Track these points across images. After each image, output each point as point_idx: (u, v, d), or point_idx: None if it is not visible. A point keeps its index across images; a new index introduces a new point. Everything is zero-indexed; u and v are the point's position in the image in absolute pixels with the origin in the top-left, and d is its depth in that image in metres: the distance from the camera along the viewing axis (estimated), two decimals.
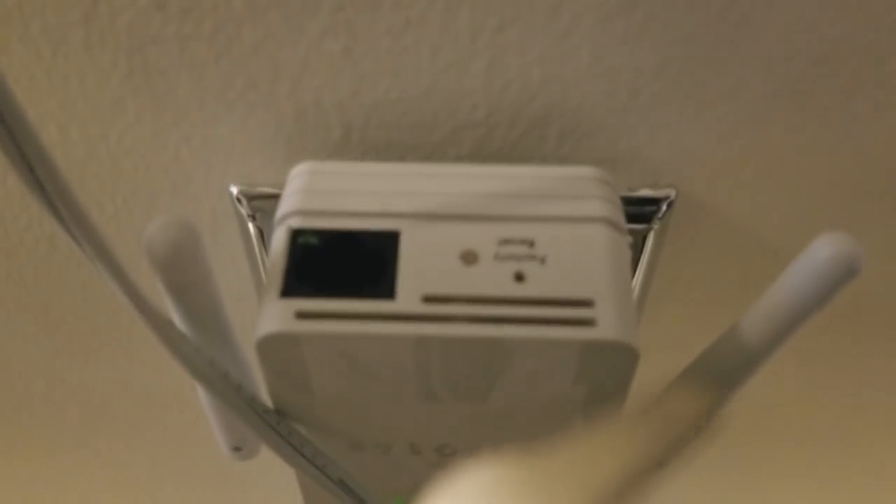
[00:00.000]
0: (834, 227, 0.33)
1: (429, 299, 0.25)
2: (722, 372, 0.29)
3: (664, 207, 0.32)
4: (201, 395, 0.31)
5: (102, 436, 0.47)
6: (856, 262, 0.24)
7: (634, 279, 0.35)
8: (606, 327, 0.25)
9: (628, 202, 0.32)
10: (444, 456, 0.30)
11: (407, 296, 0.25)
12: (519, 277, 0.26)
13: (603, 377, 0.26)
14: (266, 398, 0.28)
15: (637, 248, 0.33)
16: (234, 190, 0.32)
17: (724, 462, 0.52)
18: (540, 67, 0.27)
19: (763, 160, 0.30)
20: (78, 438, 0.47)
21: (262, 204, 0.32)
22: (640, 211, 0.32)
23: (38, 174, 0.20)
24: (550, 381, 0.26)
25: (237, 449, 0.34)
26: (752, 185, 0.31)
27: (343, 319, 0.25)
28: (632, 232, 0.33)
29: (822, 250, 0.25)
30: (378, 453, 0.30)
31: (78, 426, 0.46)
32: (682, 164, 0.31)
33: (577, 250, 0.26)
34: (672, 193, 0.32)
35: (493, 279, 0.26)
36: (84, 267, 0.36)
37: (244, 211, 0.32)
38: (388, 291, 0.25)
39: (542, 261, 0.26)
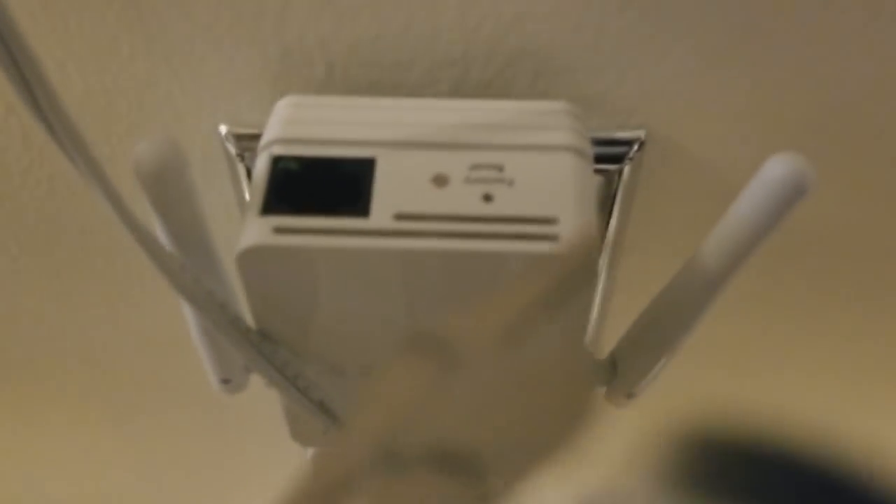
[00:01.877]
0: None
1: (401, 217, 0.27)
2: (687, 297, 0.30)
3: (635, 147, 0.33)
4: (190, 322, 0.32)
5: (101, 384, 0.48)
6: (805, 180, 0.26)
7: (610, 221, 0.36)
8: (568, 241, 0.26)
9: (600, 143, 0.33)
10: None
11: (380, 214, 0.27)
12: (487, 198, 0.27)
13: (565, 289, 0.27)
14: (249, 319, 0.30)
15: (611, 189, 0.35)
16: (223, 129, 0.33)
17: None
18: (510, 2, 0.29)
19: (727, 99, 0.32)
20: (77, 387, 0.49)
21: (250, 144, 0.34)
22: (612, 152, 0.33)
23: (29, 81, 0.21)
24: None
25: (226, 381, 0.35)
26: (720, 125, 0.33)
27: (319, 234, 0.26)
28: (604, 172, 0.34)
29: (774, 169, 0.26)
30: (357, 377, 0.32)
31: (78, 375, 0.48)
32: (651, 104, 0.32)
33: (544, 174, 0.28)
34: (642, 134, 0.33)
35: (462, 199, 0.27)
36: (82, 211, 0.38)
37: (233, 150, 0.34)
38: (362, 210, 0.27)
39: (510, 183, 0.27)
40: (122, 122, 0.34)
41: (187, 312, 0.31)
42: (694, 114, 0.32)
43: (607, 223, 0.36)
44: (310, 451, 0.40)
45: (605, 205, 0.35)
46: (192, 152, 0.34)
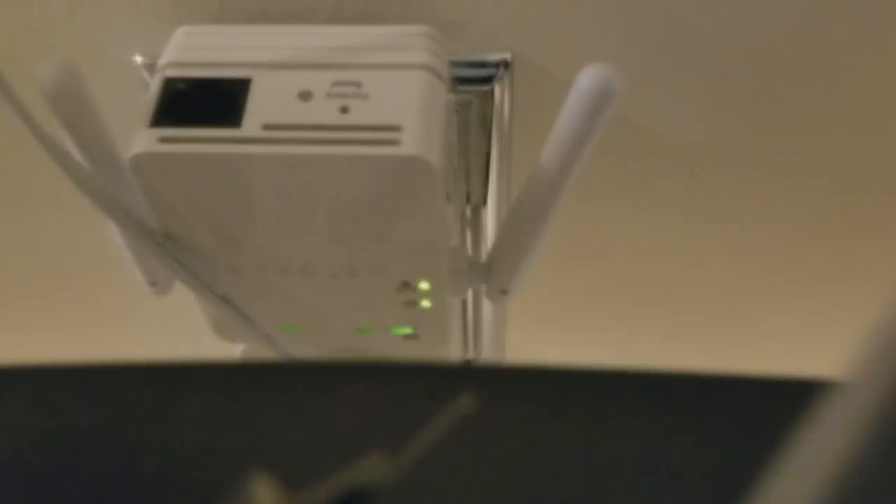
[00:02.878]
0: (652, 74, 0.38)
1: (268, 127, 0.31)
2: (536, 201, 0.34)
3: (502, 69, 0.37)
4: (113, 232, 0.37)
5: (59, 295, 0.54)
6: (611, 86, 0.29)
7: (491, 139, 0.40)
8: (409, 146, 0.30)
9: (470, 65, 0.37)
10: (308, 276, 0.36)
11: (250, 125, 0.31)
12: (344, 110, 0.31)
13: (410, 190, 0.31)
14: (153, 223, 0.34)
15: (487, 107, 0.39)
16: (139, 60, 0.38)
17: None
18: None
19: (580, 21, 0.35)
20: (37, 299, 0.55)
21: None
22: (481, 74, 0.37)
23: None
24: (369, 196, 0.32)
25: (153, 283, 0.40)
26: (576, 44, 0.36)
27: (197, 142, 0.31)
28: (474, 93, 0.38)
29: (585, 79, 0.30)
30: (255, 276, 0.36)
31: (37, 289, 0.53)
32: (513, 27, 0.36)
33: (396, 90, 0.32)
34: (508, 56, 0.37)
35: (322, 111, 0.31)
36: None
37: (148, 78, 0.38)
38: (236, 122, 0.31)
39: (365, 98, 0.31)
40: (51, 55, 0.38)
41: (109, 223, 0.36)
42: (552, 35, 0.36)
43: (489, 140, 0.40)
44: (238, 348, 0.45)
45: (484, 123, 0.39)
46: (113, 82, 0.39)
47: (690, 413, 0.12)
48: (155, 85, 0.32)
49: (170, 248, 0.34)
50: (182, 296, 0.39)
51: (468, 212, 0.48)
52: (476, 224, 0.48)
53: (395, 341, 0.42)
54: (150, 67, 0.38)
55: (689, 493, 0.11)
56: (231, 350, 0.46)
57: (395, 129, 0.30)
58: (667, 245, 0.50)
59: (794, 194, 0.46)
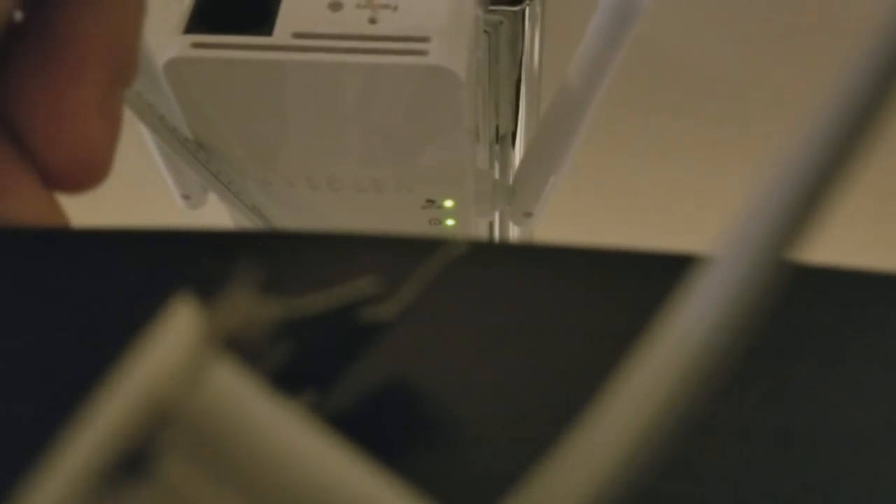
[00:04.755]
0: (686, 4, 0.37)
1: (298, 35, 0.31)
2: (562, 120, 0.34)
3: None
4: (150, 144, 0.38)
5: None
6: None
7: (522, 61, 0.40)
8: (436, 56, 0.30)
9: None
10: (336, 190, 0.37)
11: (281, 33, 0.31)
12: (373, 21, 0.32)
13: (436, 101, 0.32)
14: (187, 132, 0.35)
15: (516, 31, 0.39)
16: None
17: None
18: None
19: None
20: None
21: None
22: None
23: None
24: (396, 107, 0.32)
25: (186, 197, 0.41)
26: None
27: (228, 49, 0.31)
28: (505, 13, 0.38)
29: None
30: (284, 189, 0.37)
31: None
32: None
33: (425, 2, 0.32)
34: None
35: (351, 22, 0.32)
36: None
37: None
38: (267, 31, 0.32)
39: (395, 9, 0.32)
40: None
41: (145, 133, 0.37)
42: None
43: (519, 66, 0.40)
44: None
45: (514, 47, 0.39)
46: None
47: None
48: None
49: (201, 156, 0.35)
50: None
51: (497, 146, 0.48)
52: (504, 157, 0.48)
53: None
54: None
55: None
56: None
57: (422, 40, 0.31)
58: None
59: None
